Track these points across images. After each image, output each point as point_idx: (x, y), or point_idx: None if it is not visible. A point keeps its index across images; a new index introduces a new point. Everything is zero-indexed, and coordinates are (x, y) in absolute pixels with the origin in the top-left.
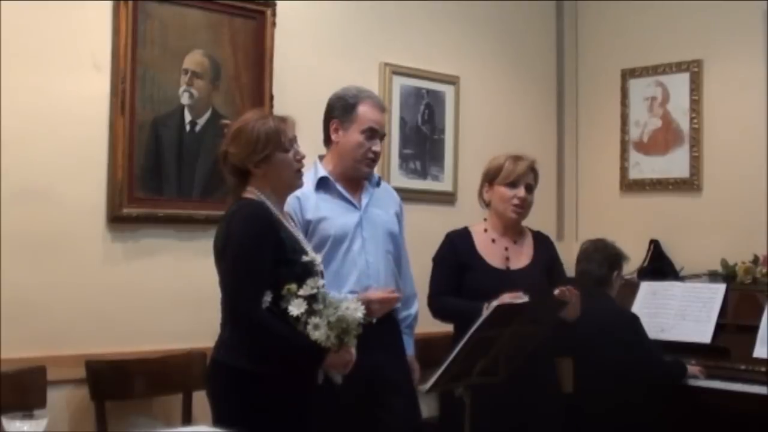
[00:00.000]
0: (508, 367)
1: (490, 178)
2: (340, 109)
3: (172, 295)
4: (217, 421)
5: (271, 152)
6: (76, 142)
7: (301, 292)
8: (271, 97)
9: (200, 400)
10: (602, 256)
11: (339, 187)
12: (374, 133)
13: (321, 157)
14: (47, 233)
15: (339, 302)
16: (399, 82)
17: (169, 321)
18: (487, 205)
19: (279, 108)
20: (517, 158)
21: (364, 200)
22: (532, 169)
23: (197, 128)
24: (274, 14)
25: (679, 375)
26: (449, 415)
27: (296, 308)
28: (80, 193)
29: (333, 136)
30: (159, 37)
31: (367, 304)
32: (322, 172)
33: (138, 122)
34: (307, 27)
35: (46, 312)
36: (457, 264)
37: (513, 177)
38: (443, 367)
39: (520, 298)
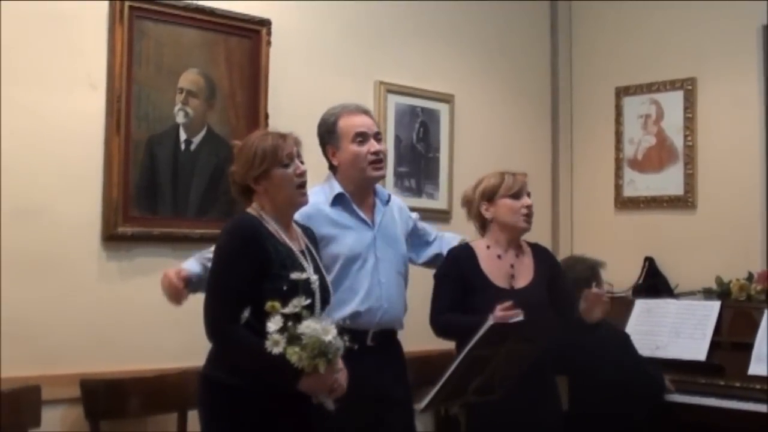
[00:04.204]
0: (502, 386)
1: (489, 195)
2: (326, 134)
3: (167, 313)
4: None
5: (268, 168)
6: (71, 160)
7: (284, 310)
8: (266, 116)
9: (195, 419)
10: (573, 276)
11: (354, 205)
12: (365, 137)
13: (334, 174)
14: (42, 252)
15: (317, 324)
16: (394, 101)
17: (164, 340)
18: (483, 226)
19: (274, 126)
20: (511, 172)
21: (378, 219)
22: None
23: (192, 147)
24: (269, 33)
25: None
26: None
27: (273, 325)
28: (75, 212)
29: (333, 161)
30: (154, 56)
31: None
32: (338, 188)
33: (133, 141)
34: (302, 46)
35: (40, 331)
36: (461, 281)
37: (516, 187)
38: (438, 386)
39: (517, 315)
